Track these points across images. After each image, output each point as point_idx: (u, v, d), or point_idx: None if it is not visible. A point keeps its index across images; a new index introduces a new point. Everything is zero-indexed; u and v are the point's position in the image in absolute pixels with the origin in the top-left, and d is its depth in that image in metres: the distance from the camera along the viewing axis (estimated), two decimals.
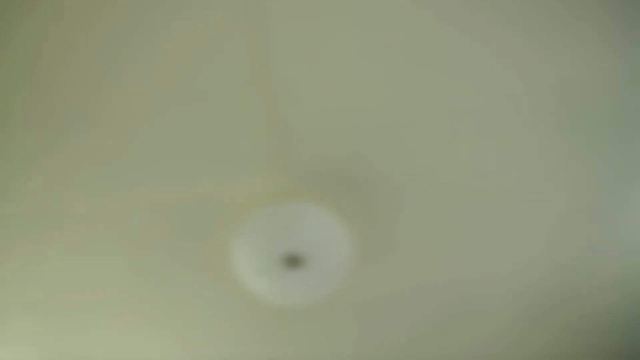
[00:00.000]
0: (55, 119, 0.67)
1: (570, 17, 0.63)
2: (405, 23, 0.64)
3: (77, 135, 0.68)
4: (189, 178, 0.69)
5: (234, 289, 0.72)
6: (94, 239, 0.75)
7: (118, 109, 0.66)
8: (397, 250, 0.75)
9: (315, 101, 0.68)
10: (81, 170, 0.71)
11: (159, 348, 0.82)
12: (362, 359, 0.80)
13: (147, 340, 0.82)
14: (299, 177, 0.69)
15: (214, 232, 0.71)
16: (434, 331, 0.81)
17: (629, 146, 0.70)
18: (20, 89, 0.66)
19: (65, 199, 0.73)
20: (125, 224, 0.73)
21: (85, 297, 0.80)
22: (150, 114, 0.67)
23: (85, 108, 0.66)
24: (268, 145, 0.67)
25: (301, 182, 0.69)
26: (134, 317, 0.80)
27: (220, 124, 0.67)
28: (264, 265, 0.69)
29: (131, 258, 0.75)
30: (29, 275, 0.81)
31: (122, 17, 0.63)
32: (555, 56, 0.65)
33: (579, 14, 0.63)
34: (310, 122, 0.68)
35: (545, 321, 0.80)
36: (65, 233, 0.75)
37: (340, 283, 0.71)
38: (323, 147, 0.69)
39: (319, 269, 0.69)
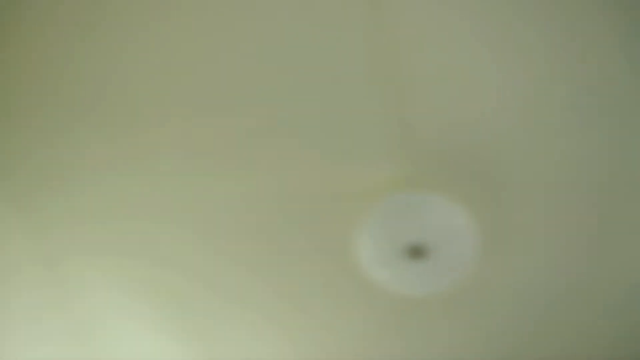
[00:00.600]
0: (187, 110, 0.70)
1: None
2: (531, 16, 0.62)
3: (205, 124, 0.70)
4: (311, 167, 0.70)
5: (355, 279, 0.71)
6: (213, 229, 0.77)
7: (247, 100, 0.68)
8: (524, 244, 0.71)
9: (438, 88, 0.66)
10: (202, 158, 0.73)
11: (276, 342, 0.84)
12: (484, 352, 0.77)
13: (264, 334, 0.83)
14: (423, 166, 0.67)
15: (336, 221, 0.70)
16: (559, 331, 0.77)
17: None
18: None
19: (187, 189, 0.76)
20: (245, 214, 0.75)
21: (201, 291, 0.83)
22: (273, 103, 0.68)
23: (217, 101, 0.68)
24: (391, 133, 0.66)
25: (425, 171, 0.67)
26: (250, 311, 0.82)
27: (341, 112, 0.67)
28: (386, 256, 0.68)
29: (250, 248, 0.77)
30: (147, 272, 0.85)
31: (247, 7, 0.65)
32: None
33: None
34: (434, 109, 0.66)
35: None
36: (186, 224, 0.78)
37: (464, 275, 0.69)
38: (447, 135, 0.67)
39: (442, 260, 0.68)
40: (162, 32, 0.68)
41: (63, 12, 0.72)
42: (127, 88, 0.72)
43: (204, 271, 0.81)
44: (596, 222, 0.71)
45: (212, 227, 0.76)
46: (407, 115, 0.66)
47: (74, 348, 1.00)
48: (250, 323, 0.85)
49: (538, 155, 0.68)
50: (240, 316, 0.84)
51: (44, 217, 0.90)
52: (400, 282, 0.70)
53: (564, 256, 0.73)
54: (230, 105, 0.69)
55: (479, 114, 0.67)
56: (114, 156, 0.78)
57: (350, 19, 0.63)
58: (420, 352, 0.77)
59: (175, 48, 0.68)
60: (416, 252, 0.67)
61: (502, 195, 0.70)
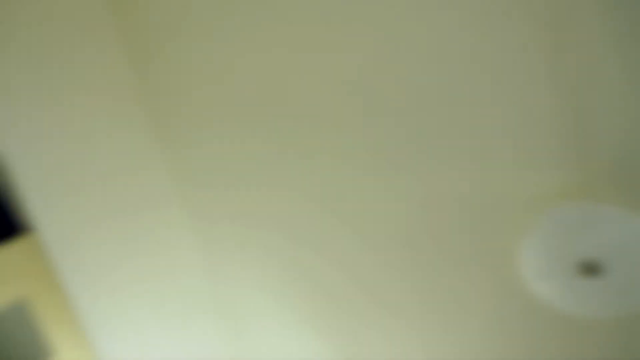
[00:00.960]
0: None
1: None
2: None
3: (368, 130, 0.71)
4: (476, 171, 0.66)
5: (515, 294, 0.67)
6: (372, 233, 0.77)
7: (410, 105, 0.67)
8: None
9: (616, 86, 0.59)
10: (367, 163, 0.73)
11: (428, 349, 0.81)
12: None
13: (415, 341, 0.81)
14: (601, 174, 0.61)
15: (498, 230, 0.66)
16: None
17: None
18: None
19: (347, 192, 0.76)
20: (405, 219, 0.73)
21: (350, 292, 0.84)
22: (438, 106, 0.66)
23: (380, 108, 0.68)
24: (564, 136, 0.61)
25: (603, 180, 0.61)
26: (397, 317, 0.80)
27: (510, 114, 0.63)
28: (553, 271, 0.63)
29: (408, 254, 0.75)
30: (301, 269, 0.87)
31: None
32: None
33: None
34: (613, 110, 0.60)
35: None
36: (344, 226, 0.79)
37: None
38: (627, 139, 0.60)
39: (620, 279, 0.60)
40: (340, 44, 0.69)
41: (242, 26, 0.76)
42: (297, 94, 0.74)
43: (357, 272, 0.81)
44: None
45: (371, 230, 0.76)
46: (582, 115, 0.60)
47: (228, 342, 1.06)
48: (394, 328, 0.82)
49: None
50: (386, 321, 0.82)
51: (213, 219, 0.96)
52: (569, 300, 0.64)
53: None
54: (394, 110, 0.68)
55: None
56: (281, 156, 0.81)
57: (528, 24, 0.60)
58: None
59: (346, 58, 0.69)
60: (589, 268, 0.61)
61: None
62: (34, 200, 0.85)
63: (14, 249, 0.82)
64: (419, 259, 0.74)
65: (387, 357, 0.86)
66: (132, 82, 0.95)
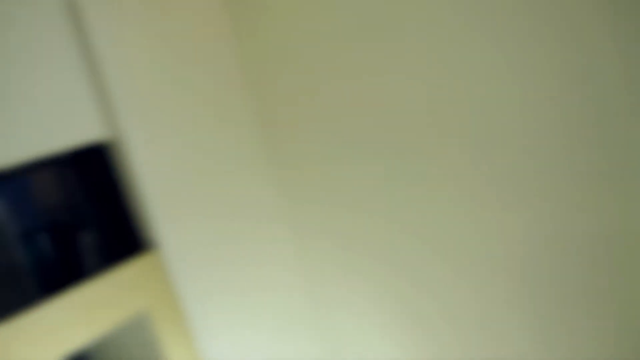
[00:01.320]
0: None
1: None
2: None
3: (476, 155, 0.70)
4: (596, 206, 0.62)
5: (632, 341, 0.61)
6: (465, 259, 0.75)
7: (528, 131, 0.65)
8: None
9: None
10: (471, 202, 0.73)
11: None
12: None
13: None
14: None
15: (615, 270, 0.61)
16: None
17: None
18: None
19: (444, 217, 0.76)
20: (515, 253, 0.71)
21: (433, 311, 0.82)
22: (554, 134, 0.64)
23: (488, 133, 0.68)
24: None
25: None
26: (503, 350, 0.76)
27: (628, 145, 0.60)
28: None
29: (515, 287, 0.72)
30: (389, 283, 0.86)
31: None
32: None
33: None
34: None
35: None
36: (437, 249, 0.78)
37: None
38: None
39: None
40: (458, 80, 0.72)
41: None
42: (410, 124, 0.76)
43: (442, 294, 0.78)
44: None
45: (464, 257, 0.74)
46: None
47: (316, 343, 1.05)
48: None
49: None
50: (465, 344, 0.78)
51: (311, 232, 1.00)
52: None
53: None
54: (512, 146, 0.68)
55: None
56: (387, 185, 0.82)
57: None
58: None
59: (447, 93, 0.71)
60: None
61: None
62: (158, 220, 0.92)
63: (138, 265, 0.89)
64: (526, 296, 0.70)
65: None
66: (252, 117, 1.03)
